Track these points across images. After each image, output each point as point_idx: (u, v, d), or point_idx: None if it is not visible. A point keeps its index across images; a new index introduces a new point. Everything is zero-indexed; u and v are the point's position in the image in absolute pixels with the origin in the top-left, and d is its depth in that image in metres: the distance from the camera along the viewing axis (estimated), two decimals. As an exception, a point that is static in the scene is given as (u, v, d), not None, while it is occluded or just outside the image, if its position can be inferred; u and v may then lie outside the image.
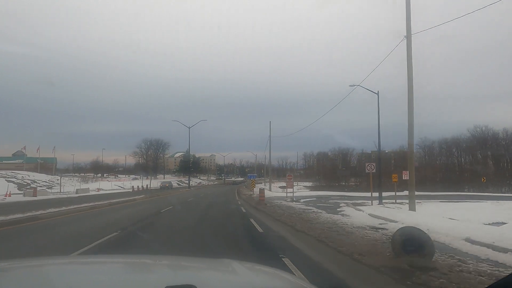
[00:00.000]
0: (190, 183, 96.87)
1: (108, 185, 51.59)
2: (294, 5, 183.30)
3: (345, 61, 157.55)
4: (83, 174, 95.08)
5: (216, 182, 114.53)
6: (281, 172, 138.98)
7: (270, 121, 43.25)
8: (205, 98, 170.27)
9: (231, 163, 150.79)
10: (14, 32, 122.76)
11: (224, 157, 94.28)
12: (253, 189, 38.53)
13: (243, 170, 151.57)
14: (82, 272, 2.12)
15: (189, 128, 42.68)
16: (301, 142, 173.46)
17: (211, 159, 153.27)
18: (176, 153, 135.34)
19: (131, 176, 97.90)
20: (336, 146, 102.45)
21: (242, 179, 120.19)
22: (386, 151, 74.63)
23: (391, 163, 69.18)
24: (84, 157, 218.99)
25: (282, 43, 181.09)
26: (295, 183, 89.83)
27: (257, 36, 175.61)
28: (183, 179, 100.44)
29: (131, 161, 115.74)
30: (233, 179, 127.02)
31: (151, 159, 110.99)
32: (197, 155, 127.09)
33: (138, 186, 49.30)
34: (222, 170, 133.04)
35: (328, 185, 70.25)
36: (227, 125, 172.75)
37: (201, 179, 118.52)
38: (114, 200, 24.13)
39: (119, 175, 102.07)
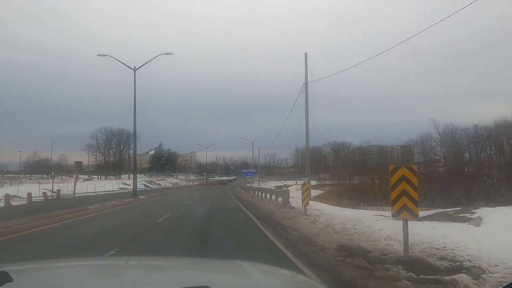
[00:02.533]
0: (164, 184, 79.07)
1: (32, 189, 34.08)
2: None
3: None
4: (24, 175, 76.44)
5: (196, 182, 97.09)
6: (270, 170, 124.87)
7: (306, 53, 23.50)
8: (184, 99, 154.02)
9: (213, 161, 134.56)
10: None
11: (206, 149, 76.90)
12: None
13: (227, 168, 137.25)
14: (99, 274, 2.11)
15: (134, 70, 25.53)
16: (288, 140, 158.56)
17: (190, 157, 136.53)
18: (150, 150, 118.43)
19: (93, 176, 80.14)
20: (331, 140, 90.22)
21: (232, 178, 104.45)
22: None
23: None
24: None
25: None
26: (291, 182, 72.69)
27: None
28: (155, 179, 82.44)
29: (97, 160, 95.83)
30: (218, 178, 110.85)
31: (112, 155, 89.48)
32: (174, 152, 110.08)
33: (53, 193, 32.47)
34: (203, 168, 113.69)
35: (340, 183, 54.39)
36: (209, 125, 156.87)
37: (179, 179, 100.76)
38: None
39: (69, 175, 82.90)
